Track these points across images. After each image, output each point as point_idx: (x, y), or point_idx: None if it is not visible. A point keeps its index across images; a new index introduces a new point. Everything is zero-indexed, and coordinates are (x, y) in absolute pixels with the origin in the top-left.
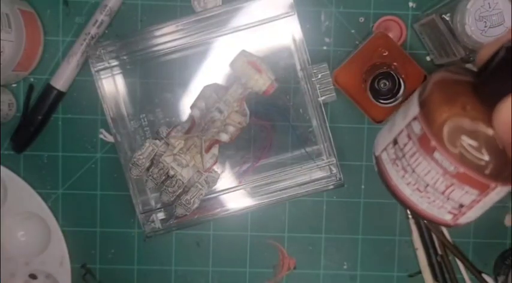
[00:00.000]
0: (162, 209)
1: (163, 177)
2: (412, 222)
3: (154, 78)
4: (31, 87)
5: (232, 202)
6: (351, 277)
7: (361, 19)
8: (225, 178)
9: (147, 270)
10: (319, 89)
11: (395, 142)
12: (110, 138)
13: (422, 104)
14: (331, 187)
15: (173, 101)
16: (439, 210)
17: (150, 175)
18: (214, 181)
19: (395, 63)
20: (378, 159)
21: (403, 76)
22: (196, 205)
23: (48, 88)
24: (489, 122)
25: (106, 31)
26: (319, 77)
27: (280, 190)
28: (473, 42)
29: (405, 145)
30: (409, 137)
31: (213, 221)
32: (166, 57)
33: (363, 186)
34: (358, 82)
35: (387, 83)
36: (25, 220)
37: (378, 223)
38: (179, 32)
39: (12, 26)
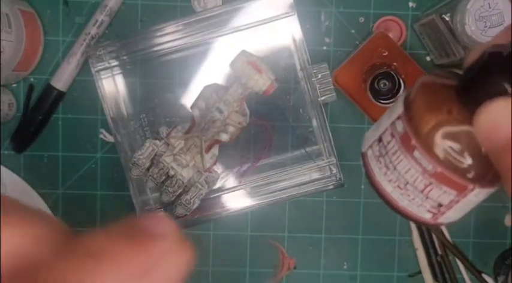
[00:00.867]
0: (162, 209)
1: (163, 177)
2: (412, 222)
3: (155, 78)
4: (31, 87)
5: (232, 202)
6: (351, 277)
7: (361, 19)
8: (225, 178)
9: None
10: (319, 89)
11: (380, 139)
12: (110, 138)
13: (407, 105)
14: (331, 187)
15: (173, 101)
16: (418, 208)
17: (150, 175)
18: (214, 181)
19: (395, 63)
20: (364, 156)
21: (403, 76)
22: (196, 205)
23: (48, 88)
24: (470, 126)
25: (106, 31)
26: (319, 77)
27: (280, 190)
28: (473, 42)
29: (388, 143)
30: (392, 135)
31: (213, 221)
32: (166, 57)
33: (362, 186)
34: (358, 82)
35: (387, 83)
36: None
37: (378, 223)
38: (179, 32)
39: (12, 26)
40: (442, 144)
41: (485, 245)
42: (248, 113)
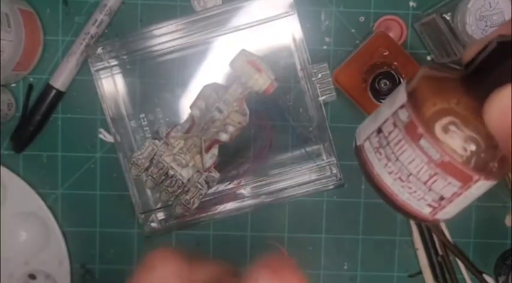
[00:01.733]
0: (162, 209)
1: (163, 177)
2: (412, 221)
3: (154, 78)
4: (30, 87)
5: (232, 203)
6: (351, 278)
7: (362, 18)
8: (225, 178)
9: None
10: (319, 89)
11: (379, 131)
12: (110, 138)
13: (411, 93)
14: (331, 187)
15: (173, 101)
16: (418, 201)
17: (149, 175)
18: (214, 181)
19: (395, 63)
20: (359, 149)
21: (403, 76)
22: (196, 205)
23: (48, 88)
24: (478, 114)
25: (106, 31)
26: (319, 76)
27: (280, 190)
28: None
29: (390, 133)
30: (395, 125)
31: (213, 221)
32: (166, 57)
33: (363, 186)
34: (358, 82)
35: (387, 83)
36: (25, 220)
37: (378, 223)
38: (179, 32)
39: (11, 26)
40: (451, 132)
41: (486, 245)
42: (248, 112)
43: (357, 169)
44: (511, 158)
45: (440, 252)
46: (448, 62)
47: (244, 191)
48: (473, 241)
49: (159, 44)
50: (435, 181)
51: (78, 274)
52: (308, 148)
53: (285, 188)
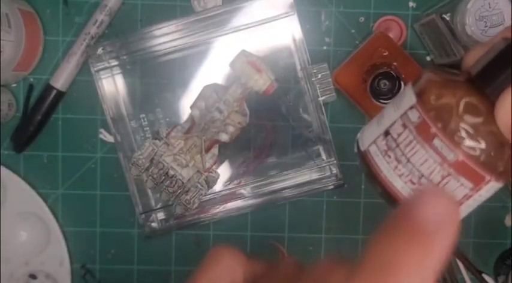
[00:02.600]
0: (162, 209)
1: (163, 177)
2: None
3: (154, 78)
4: (31, 87)
5: (232, 202)
6: None
7: (361, 19)
8: (225, 178)
9: (147, 270)
10: (319, 89)
11: (386, 133)
12: (110, 138)
13: (420, 94)
14: (331, 187)
15: (173, 101)
16: None
17: (150, 175)
18: (214, 181)
19: (395, 63)
20: (364, 154)
21: (403, 76)
22: (196, 205)
23: (48, 88)
24: (490, 115)
25: (106, 31)
26: (319, 77)
27: (280, 190)
28: (473, 42)
29: (399, 135)
30: (405, 126)
31: (213, 221)
32: (166, 57)
33: (363, 186)
34: (358, 82)
35: (387, 83)
36: (25, 220)
37: (378, 223)
38: (179, 32)
39: (12, 26)
40: (464, 132)
41: (486, 245)
42: (248, 112)
43: (357, 169)
44: None
45: None
46: (448, 62)
47: (244, 191)
48: (473, 241)
49: (159, 44)
50: (447, 182)
51: (79, 274)
52: (308, 149)
53: (285, 188)
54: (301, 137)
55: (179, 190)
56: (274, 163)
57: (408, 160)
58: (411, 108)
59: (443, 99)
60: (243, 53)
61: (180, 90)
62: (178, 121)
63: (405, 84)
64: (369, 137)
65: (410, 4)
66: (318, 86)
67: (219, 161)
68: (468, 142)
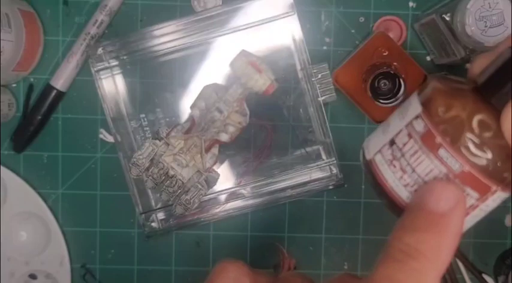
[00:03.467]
0: (162, 209)
1: (163, 177)
2: None
3: (154, 78)
4: (31, 87)
5: (232, 203)
6: None
7: (361, 19)
8: (225, 178)
9: (147, 270)
10: (319, 89)
11: (392, 143)
12: (110, 138)
13: (425, 104)
14: (331, 187)
15: (173, 101)
16: None
17: (150, 176)
18: (214, 181)
19: (395, 63)
20: (369, 163)
21: (403, 76)
22: (196, 205)
23: (48, 88)
24: (495, 123)
25: (106, 31)
26: (319, 77)
27: (280, 190)
28: (473, 42)
29: (405, 144)
30: (410, 136)
31: (213, 221)
32: (166, 57)
33: (363, 186)
34: (358, 82)
35: (387, 83)
36: (25, 220)
37: (378, 223)
38: (179, 32)
39: (12, 26)
40: (470, 142)
41: (486, 245)
42: (248, 112)
43: (357, 169)
44: None
45: None
46: (448, 62)
47: (244, 191)
48: (473, 241)
49: (160, 44)
50: None
51: (79, 274)
52: (308, 149)
53: (285, 188)
54: (301, 136)
55: (179, 190)
56: (274, 163)
57: (413, 170)
58: (416, 117)
59: (452, 112)
60: (243, 53)
61: (180, 90)
62: (178, 121)
63: (405, 84)
64: (375, 146)
65: (410, 4)
66: (318, 86)
67: (219, 161)
68: (474, 153)
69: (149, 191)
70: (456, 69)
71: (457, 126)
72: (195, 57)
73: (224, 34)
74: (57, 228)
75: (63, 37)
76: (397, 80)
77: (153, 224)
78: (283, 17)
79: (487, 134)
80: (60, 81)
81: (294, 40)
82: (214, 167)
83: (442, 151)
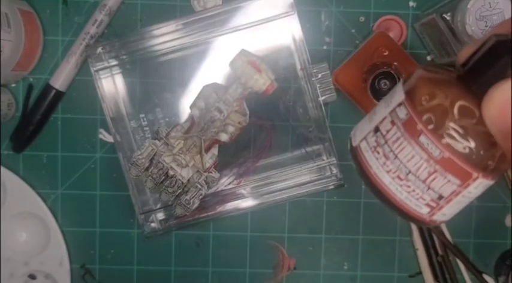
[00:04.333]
0: (162, 209)
1: (163, 177)
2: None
3: (154, 78)
4: (30, 87)
5: (232, 202)
6: (351, 278)
7: (362, 19)
8: (225, 178)
9: (147, 270)
10: (319, 89)
11: (376, 130)
12: (110, 138)
13: (408, 92)
14: (331, 187)
15: (173, 101)
16: (417, 201)
17: (149, 176)
18: (214, 181)
19: (395, 63)
20: (355, 150)
21: (403, 76)
22: (196, 205)
23: (48, 88)
24: (476, 111)
25: (105, 31)
26: (319, 76)
27: (280, 190)
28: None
29: (388, 131)
30: (393, 123)
31: (213, 221)
32: (165, 57)
33: (363, 186)
34: (358, 82)
35: (387, 83)
36: (25, 220)
37: (378, 223)
38: (179, 32)
39: (11, 26)
40: (450, 129)
41: (486, 245)
42: (248, 112)
43: None
44: (508, 153)
45: (440, 252)
46: (448, 62)
47: (244, 191)
48: (473, 241)
49: (159, 44)
50: (434, 179)
51: (78, 274)
52: (308, 149)
53: (285, 188)
54: (301, 136)
55: (179, 190)
56: (274, 163)
57: (396, 157)
58: (399, 105)
59: (435, 100)
60: (243, 53)
61: (180, 90)
62: (178, 121)
63: None
64: (361, 133)
65: (411, 4)
66: (318, 85)
67: (219, 161)
68: (458, 141)
69: (149, 191)
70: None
71: (439, 114)
72: (195, 57)
73: (224, 34)
74: (57, 228)
75: (62, 37)
76: (397, 79)
77: (152, 224)
78: (283, 17)
79: (470, 122)
80: (60, 81)
81: (294, 40)
82: (214, 167)
83: (422, 138)
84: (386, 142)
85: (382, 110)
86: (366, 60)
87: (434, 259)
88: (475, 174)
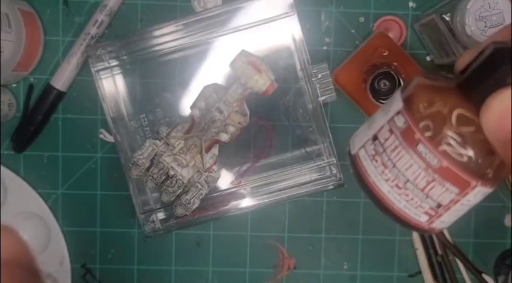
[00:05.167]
0: (162, 209)
1: (164, 177)
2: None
3: (154, 78)
4: (31, 87)
5: (232, 202)
6: (351, 277)
7: (361, 19)
8: (225, 178)
9: (147, 270)
10: (319, 89)
11: (375, 138)
12: (110, 138)
13: (407, 100)
14: (331, 187)
15: (173, 101)
16: (416, 209)
17: (150, 175)
18: (214, 181)
19: (395, 63)
20: (354, 158)
21: (403, 76)
22: (196, 205)
23: (48, 88)
24: (475, 119)
25: (106, 31)
26: (319, 77)
27: (280, 190)
28: (473, 42)
29: (386, 140)
30: (391, 132)
31: (213, 221)
32: (166, 57)
33: None
34: (358, 82)
35: (387, 83)
36: (25, 220)
37: (378, 223)
38: (179, 32)
39: (12, 26)
40: (449, 138)
41: (486, 245)
42: (248, 113)
43: None
44: (507, 162)
45: (439, 252)
46: (448, 62)
47: (244, 191)
48: (473, 241)
49: (160, 44)
50: (433, 188)
51: (79, 274)
52: (308, 149)
53: (285, 188)
54: (301, 137)
55: (179, 190)
56: (274, 163)
57: (394, 166)
58: (398, 113)
59: (433, 108)
60: (243, 53)
61: (180, 90)
62: (178, 121)
63: (405, 84)
64: (359, 141)
65: (410, 4)
66: (318, 86)
67: (219, 161)
68: (456, 150)
69: (149, 191)
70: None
71: (438, 122)
72: (195, 57)
73: (224, 34)
74: (57, 228)
75: (63, 37)
76: (397, 80)
77: (153, 224)
78: (283, 17)
79: (468, 130)
80: (60, 81)
81: (294, 40)
82: (214, 167)
83: (420, 147)
84: (384, 150)
85: (380, 118)
86: (366, 61)
87: (433, 259)
88: (473, 183)
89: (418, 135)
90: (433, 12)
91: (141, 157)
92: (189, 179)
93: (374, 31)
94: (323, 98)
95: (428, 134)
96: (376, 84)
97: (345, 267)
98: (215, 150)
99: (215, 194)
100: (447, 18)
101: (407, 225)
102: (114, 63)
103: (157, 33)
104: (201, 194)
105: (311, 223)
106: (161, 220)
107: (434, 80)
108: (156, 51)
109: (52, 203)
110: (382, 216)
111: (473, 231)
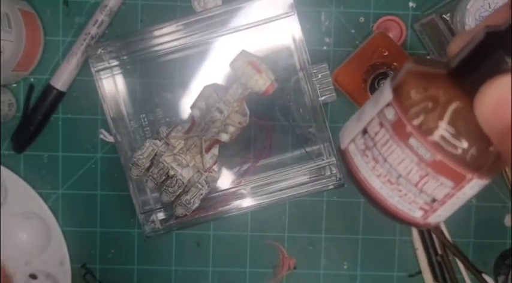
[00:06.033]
0: (162, 209)
1: (164, 177)
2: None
3: (155, 78)
4: (31, 87)
5: (232, 202)
6: (351, 277)
7: (361, 19)
8: (225, 178)
9: (147, 270)
10: (319, 89)
11: (364, 132)
12: (110, 138)
13: (396, 90)
14: (331, 187)
15: (173, 101)
16: (410, 205)
17: (150, 176)
18: (214, 181)
19: (395, 63)
20: (344, 153)
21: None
22: (196, 205)
23: (48, 88)
24: (468, 109)
25: (106, 31)
26: (319, 77)
27: (280, 190)
28: None
29: (376, 133)
30: (381, 125)
31: (213, 221)
32: (166, 57)
33: None
34: (358, 82)
35: None
36: (25, 220)
37: (377, 223)
38: (179, 32)
39: (12, 26)
40: (441, 130)
41: (486, 245)
42: (248, 113)
43: None
44: (504, 154)
45: (439, 252)
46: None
47: (244, 191)
48: (472, 241)
49: (160, 44)
50: (426, 182)
51: (79, 274)
52: (308, 149)
53: (285, 188)
54: (301, 137)
55: (179, 190)
56: (274, 163)
57: (385, 160)
58: (388, 105)
59: (424, 94)
60: (243, 53)
61: (180, 90)
62: (178, 121)
63: None
64: (349, 135)
65: (410, 4)
66: (318, 86)
67: (219, 161)
68: (450, 143)
69: (149, 191)
70: None
71: (429, 112)
72: (195, 57)
73: (224, 34)
74: (58, 228)
75: (63, 37)
76: None
77: (153, 224)
78: (283, 17)
79: (462, 121)
80: (61, 81)
81: (294, 40)
82: (214, 167)
83: (412, 140)
84: (375, 145)
85: (369, 110)
86: (366, 61)
87: (433, 259)
88: (469, 176)
89: (409, 128)
90: (433, 12)
91: (141, 157)
92: (189, 179)
93: (374, 31)
94: (323, 98)
95: (418, 122)
96: (376, 84)
97: (345, 267)
98: (215, 150)
99: (215, 194)
100: (447, 18)
101: (402, 221)
102: (114, 63)
103: (157, 33)
104: (201, 194)
105: (311, 223)
106: (161, 220)
107: (426, 65)
108: (156, 51)
109: (52, 203)
110: (382, 216)
111: (473, 231)
